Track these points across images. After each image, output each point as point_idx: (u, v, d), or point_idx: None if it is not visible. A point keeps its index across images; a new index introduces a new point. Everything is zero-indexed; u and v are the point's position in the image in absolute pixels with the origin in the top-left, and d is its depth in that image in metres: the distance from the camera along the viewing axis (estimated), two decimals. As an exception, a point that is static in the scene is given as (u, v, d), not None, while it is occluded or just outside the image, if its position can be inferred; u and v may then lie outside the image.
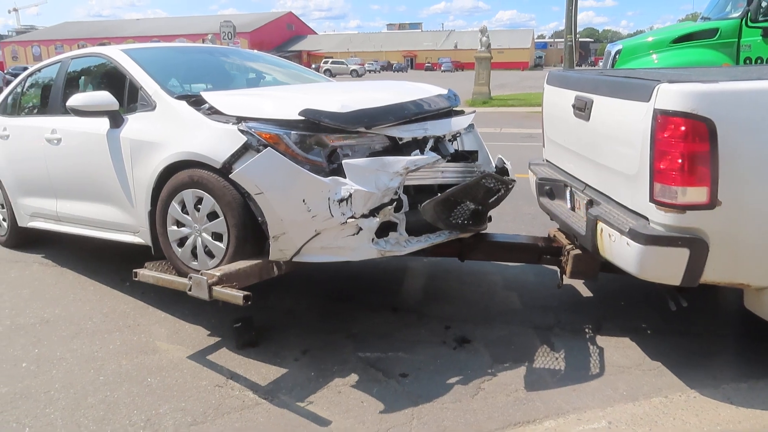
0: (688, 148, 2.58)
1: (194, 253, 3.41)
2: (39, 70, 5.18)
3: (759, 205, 2.58)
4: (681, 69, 4.87)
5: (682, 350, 3.26)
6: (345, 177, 3.00)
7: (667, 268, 2.74)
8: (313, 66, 68.06)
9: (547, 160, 4.20)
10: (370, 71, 64.06)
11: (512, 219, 5.30)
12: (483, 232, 3.74)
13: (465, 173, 3.59)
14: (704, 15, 8.97)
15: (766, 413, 2.69)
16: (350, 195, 2.94)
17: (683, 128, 2.57)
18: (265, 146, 3.00)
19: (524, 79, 42.85)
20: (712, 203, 2.59)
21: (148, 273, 3.37)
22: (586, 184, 3.47)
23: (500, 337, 3.47)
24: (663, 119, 2.62)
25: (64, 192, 4.43)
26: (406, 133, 3.32)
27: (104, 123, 3.86)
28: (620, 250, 2.88)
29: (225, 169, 3.10)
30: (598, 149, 3.27)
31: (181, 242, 3.46)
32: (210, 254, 3.32)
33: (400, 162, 3.12)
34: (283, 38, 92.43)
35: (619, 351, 3.28)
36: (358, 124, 3.13)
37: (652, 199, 2.72)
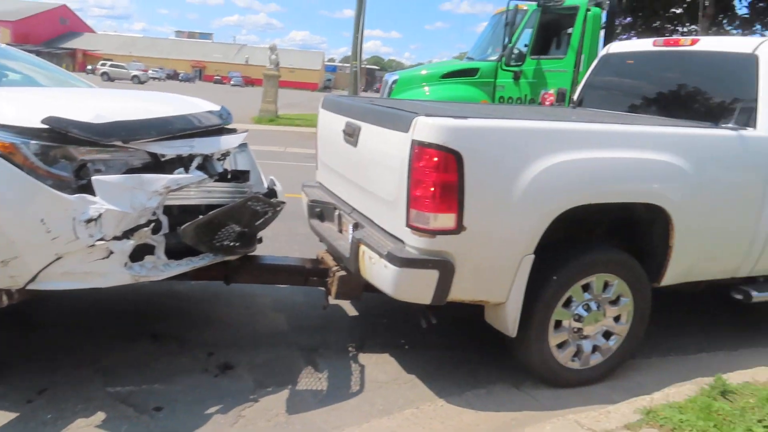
0: (439, 177, 2.78)
1: None
2: None
3: (497, 231, 2.87)
4: (441, 103, 5.31)
5: (434, 363, 3.51)
6: (95, 195, 2.69)
7: (419, 288, 2.93)
8: (89, 67, 62.25)
9: (319, 183, 4.27)
10: (154, 79, 60.27)
11: (286, 240, 5.28)
12: (251, 254, 3.65)
13: (234, 194, 3.46)
14: (469, 55, 10.00)
15: (500, 414, 3.03)
16: (100, 215, 2.65)
17: (435, 159, 2.77)
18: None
19: (313, 100, 43.62)
20: (458, 229, 2.81)
21: None
22: (353, 208, 3.59)
23: (266, 360, 3.41)
24: (419, 150, 2.80)
25: None
26: (169, 149, 3.09)
27: None
28: (379, 271, 3.00)
29: None
30: (364, 174, 3.40)
31: None
32: None
33: (160, 180, 2.88)
34: (55, 33, 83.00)
35: (378, 367, 3.42)
36: (113, 137, 2.83)
37: (408, 224, 2.89)
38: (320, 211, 3.93)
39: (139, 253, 2.91)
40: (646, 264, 3.30)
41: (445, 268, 2.86)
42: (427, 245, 2.85)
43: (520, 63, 8.80)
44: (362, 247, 3.16)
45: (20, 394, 2.87)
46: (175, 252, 3.10)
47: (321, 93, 71.51)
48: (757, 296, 3.59)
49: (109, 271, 2.77)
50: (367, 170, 3.37)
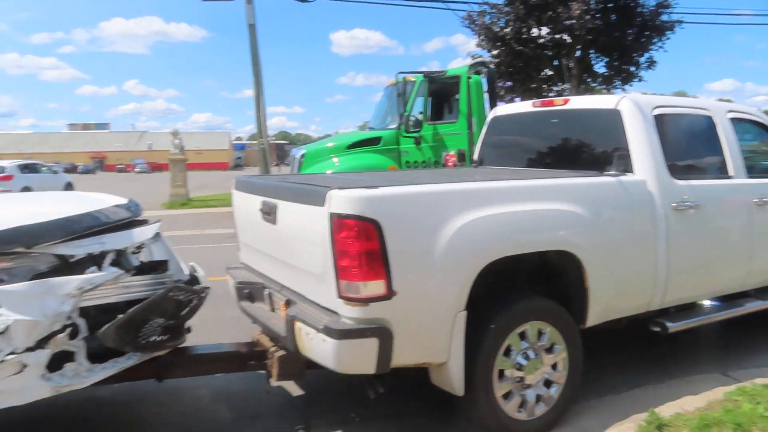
0: (362, 246, 2.81)
1: None
2: None
3: (426, 291, 2.91)
4: (352, 174, 5.44)
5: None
6: (0, 306, 2.55)
7: (361, 358, 2.90)
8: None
9: (243, 263, 4.21)
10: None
11: (215, 325, 5.11)
12: (181, 346, 3.51)
13: (154, 285, 3.34)
14: (370, 125, 10.38)
15: (628, 410, 3.38)
16: (7, 327, 2.48)
17: (355, 229, 2.81)
18: None
19: (226, 179, 42.81)
20: (389, 294, 2.84)
21: None
22: (282, 285, 3.55)
23: None
24: (338, 221, 2.84)
25: None
26: (78, 249, 2.97)
27: None
28: (318, 346, 2.96)
29: None
30: (288, 251, 3.39)
31: None
32: None
33: (71, 282, 2.75)
34: (-66, 138, 78.59)
35: None
36: (15, 244, 2.71)
37: (339, 295, 2.88)
38: (249, 291, 3.85)
39: (57, 362, 2.73)
40: (571, 308, 3.43)
41: (383, 334, 2.86)
42: (362, 314, 2.85)
43: (418, 129, 9.16)
44: (298, 324, 3.11)
45: None
46: (98, 355, 2.93)
47: (233, 171, 71.05)
48: (672, 327, 3.80)
49: (25, 386, 2.59)
50: (290, 246, 3.37)
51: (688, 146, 4.28)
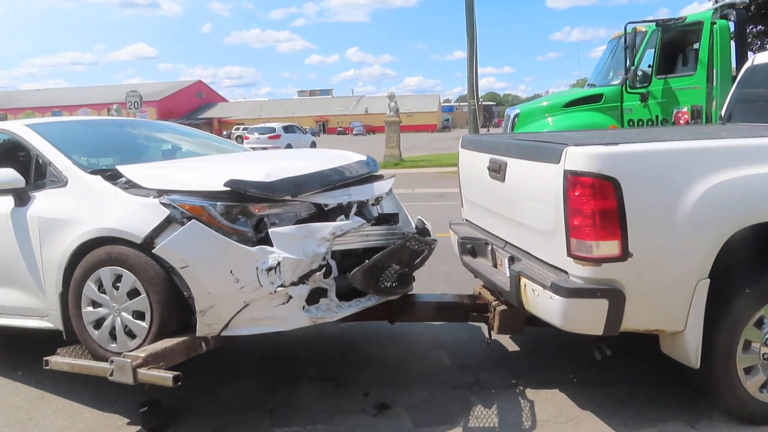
0: (598, 205, 2.74)
1: (113, 335, 3.20)
2: None
3: (666, 255, 2.75)
4: (583, 132, 5.22)
5: (598, 400, 3.36)
6: (272, 246, 2.95)
7: (589, 318, 2.85)
8: (225, 132, 67.58)
9: (466, 220, 4.33)
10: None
11: (428, 279, 5.36)
12: (410, 293, 3.77)
13: (388, 236, 3.65)
14: (590, 82, 9.81)
15: None
16: (279, 263, 2.90)
17: (592, 187, 2.74)
18: (189, 219, 2.93)
19: (433, 141, 44.36)
20: (624, 255, 2.73)
21: (60, 360, 3.14)
22: (506, 242, 3.60)
23: (421, 400, 3.43)
24: (573, 179, 2.78)
25: None
26: (331, 199, 3.34)
27: (8, 201, 3.61)
28: (544, 303, 2.98)
29: (146, 244, 2.98)
30: (516, 208, 3.41)
31: (98, 324, 3.23)
32: (131, 334, 3.13)
33: (326, 228, 3.12)
34: (193, 106, 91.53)
35: (539, 405, 3.33)
36: (284, 192, 3.12)
37: (569, 254, 2.85)
38: (472, 247, 3.98)
39: (311, 298, 3.13)
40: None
41: (614, 296, 2.78)
42: (592, 274, 2.80)
43: (646, 84, 8.52)
44: (523, 280, 3.15)
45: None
46: (342, 294, 3.29)
47: (440, 134, 72.40)
48: None
49: (289, 315, 3.01)
50: (518, 204, 3.39)
51: None
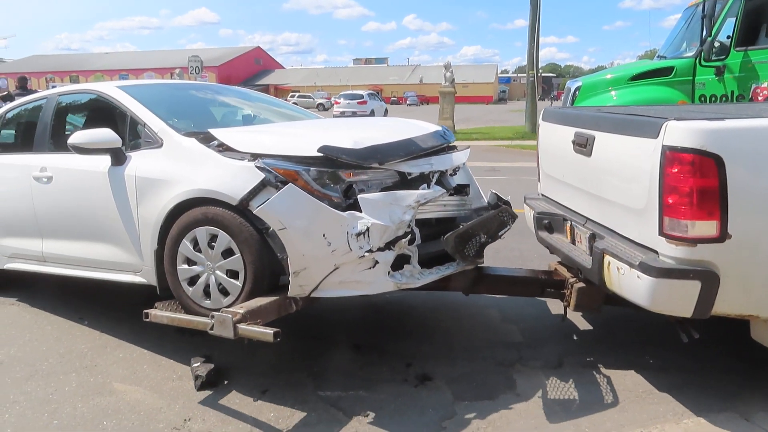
0: (697, 183, 2.61)
1: (206, 292, 3.30)
2: (21, 106, 4.97)
3: (763, 236, 2.62)
4: (682, 106, 4.98)
5: (670, 382, 3.28)
6: (361, 211, 2.97)
7: (678, 300, 2.75)
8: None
9: (542, 194, 4.23)
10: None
11: (495, 255, 5.24)
12: (483, 265, 3.73)
13: (461, 206, 3.65)
14: (660, 54, 9.24)
15: None
16: (368, 229, 2.93)
17: (692, 164, 2.61)
18: (284, 182, 2.97)
19: (488, 113, 43.61)
20: (722, 237, 2.61)
21: (160, 313, 3.24)
22: (587, 218, 3.50)
23: (463, 374, 3.42)
24: (672, 155, 2.66)
25: (53, 231, 4.19)
26: (414, 168, 3.32)
27: (104, 161, 3.71)
28: (630, 282, 2.89)
29: (241, 206, 3.04)
30: (601, 184, 3.30)
31: (192, 281, 3.34)
32: (224, 292, 3.22)
33: (411, 196, 3.13)
34: (251, 72, 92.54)
35: (583, 386, 3.28)
36: (372, 160, 3.13)
37: (661, 233, 2.74)
38: (549, 222, 3.88)
39: (395, 263, 3.14)
40: None
41: (708, 278, 2.66)
42: (686, 254, 2.68)
43: (723, 57, 7.85)
44: (607, 258, 3.06)
45: (247, 392, 3.24)
46: (421, 262, 3.28)
47: (496, 106, 71.03)
48: None
49: (375, 280, 3.05)
50: (605, 179, 3.27)
51: None
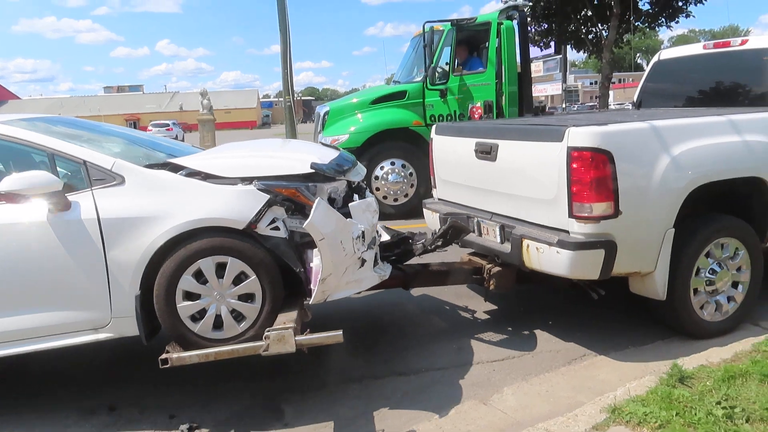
0: (596, 173, 3.58)
1: (216, 324, 3.38)
2: None
3: (644, 211, 3.69)
4: (574, 114, 6.09)
5: (569, 335, 4.29)
6: (351, 218, 3.47)
7: (589, 266, 3.70)
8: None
9: (440, 199, 5.05)
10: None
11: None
12: (423, 263, 4.47)
13: None
14: (395, 79, 10.48)
15: (649, 364, 3.74)
16: (363, 232, 3.43)
17: (591, 159, 3.58)
18: (285, 200, 3.32)
19: (253, 137, 44.15)
20: (616, 213, 3.62)
21: (186, 354, 3.23)
22: (493, 213, 4.37)
23: (231, 416, 3.50)
24: (575, 153, 3.61)
25: None
26: (356, 177, 3.89)
27: (34, 209, 3.33)
28: (550, 258, 3.78)
29: (249, 229, 3.25)
30: (508, 182, 4.18)
31: (198, 316, 3.36)
32: (239, 318, 3.38)
33: (372, 202, 3.75)
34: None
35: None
36: (341, 173, 3.63)
37: (571, 215, 3.68)
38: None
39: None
40: (754, 228, 4.15)
41: (609, 247, 3.65)
42: (592, 230, 3.64)
43: (444, 81, 9.14)
44: (525, 241, 3.93)
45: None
46: None
47: (260, 130, 71.34)
48: None
49: (365, 276, 3.56)
50: (511, 179, 4.16)
51: None
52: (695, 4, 18.00)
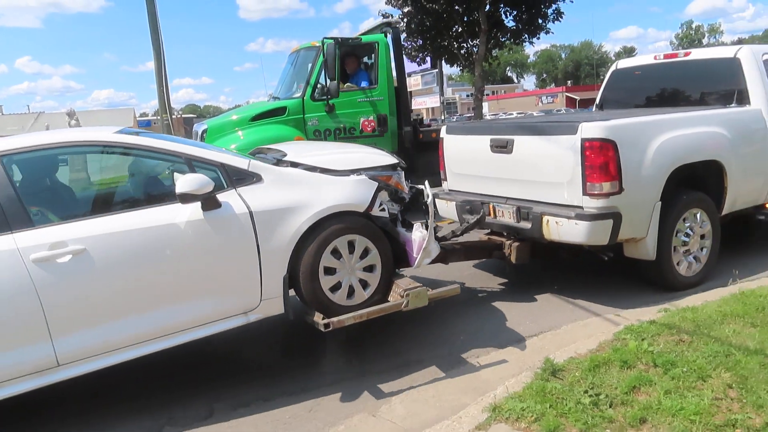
0: (605, 159, 4.66)
1: (349, 292, 4.10)
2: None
3: (640, 187, 4.80)
4: (587, 113, 7.19)
5: (574, 297, 5.35)
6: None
7: (601, 234, 4.76)
8: None
9: (451, 190, 5.98)
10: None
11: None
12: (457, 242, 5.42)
13: None
14: (274, 95, 10.53)
15: (526, 360, 4.08)
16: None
17: (600, 148, 4.66)
18: (386, 186, 4.15)
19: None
20: (620, 190, 4.71)
21: (344, 317, 3.89)
22: (507, 197, 5.37)
23: None
24: (587, 143, 4.68)
25: (81, 320, 3.50)
26: None
27: (185, 209, 3.67)
28: (568, 229, 4.80)
29: (366, 211, 4.06)
30: (524, 171, 5.18)
31: (335, 287, 4.02)
32: (364, 286, 4.14)
33: None
34: None
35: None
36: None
37: (585, 193, 4.73)
38: (470, 207, 5.65)
39: None
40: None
41: (616, 217, 4.72)
42: (602, 204, 4.71)
43: (330, 96, 9.22)
44: (545, 217, 4.95)
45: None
46: None
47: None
48: None
49: (432, 248, 4.37)
50: (527, 168, 5.16)
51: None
52: (553, 22, 19.74)
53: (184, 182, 3.56)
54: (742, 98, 5.75)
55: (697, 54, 6.31)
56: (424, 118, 17.37)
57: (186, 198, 3.59)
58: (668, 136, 4.96)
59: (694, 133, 5.17)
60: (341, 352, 4.52)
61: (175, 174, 3.90)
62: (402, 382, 3.95)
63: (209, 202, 3.66)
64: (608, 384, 3.41)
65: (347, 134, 9.30)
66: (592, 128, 4.67)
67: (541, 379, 3.51)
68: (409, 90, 11.85)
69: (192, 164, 3.84)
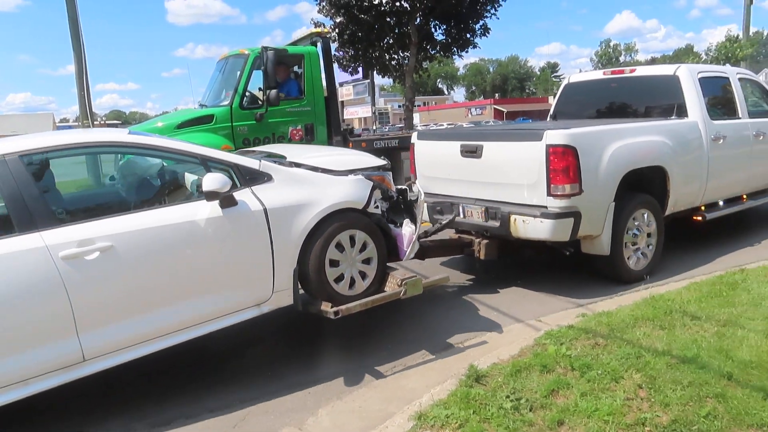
0: (566, 163, 5.22)
1: (350, 282, 4.43)
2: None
3: (597, 189, 5.39)
4: (544, 122, 7.77)
5: (535, 291, 5.90)
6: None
7: (563, 231, 5.32)
8: None
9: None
10: None
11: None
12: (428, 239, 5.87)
13: None
14: (201, 102, 10.46)
15: (451, 368, 4.10)
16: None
17: (563, 153, 5.23)
18: (378, 185, 4.54)
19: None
20: (580, 191, 5.29)
21: (351, 305, 4.24)
22: (477, 199, 5.87)
23: None
24: (551, 149, 5.24)
25: (111, 314, 3.61)
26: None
27: (205, 207, 3.86)
28: (534, 227, 5.34)
29: (364, 208, 4.43)
30: (492, 174, 5.69)
31: (339, 278, 4.35)
32: (363, 277, 4.49)
33: None
34: None
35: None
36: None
37: (549, 194, 5.28)
38: (440, 208, 6.13)
39: None
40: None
41: (577, 216, 5.29)
42: (564, 204, 5.27)
43: (259, 105, 9.28)
44: (513, 216, 5.47)
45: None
46: None
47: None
48: (710, 216, 6.65)
49: (416, 245, 4.81)
50: (495, 171, 5.67)
51: (717, 97, 6.96)
52: (480, 37, 20.70)
53: (211, 181, 3.77)
54: (681, 111, 6.48)
55: (641, 71, 7.03)
56: (355, 128, 17.60)
57: (212, 196, 3.79)
58: (620, 144, 5.58)
59: (642, 141, 5.82)
60: (265, 365, 4.46)
61: (186, 174, 4.16)
62: (329, 393, 3.97)
63: (227, 200, 3.86)
64: (529, 388, 3.55)
65: (276, 143, 9.17)
66: (556, 135, 5.23)
67: (465, 386, 3.61)
68: (340, 100, 11.95)
69: (207, 164, 4.03)
